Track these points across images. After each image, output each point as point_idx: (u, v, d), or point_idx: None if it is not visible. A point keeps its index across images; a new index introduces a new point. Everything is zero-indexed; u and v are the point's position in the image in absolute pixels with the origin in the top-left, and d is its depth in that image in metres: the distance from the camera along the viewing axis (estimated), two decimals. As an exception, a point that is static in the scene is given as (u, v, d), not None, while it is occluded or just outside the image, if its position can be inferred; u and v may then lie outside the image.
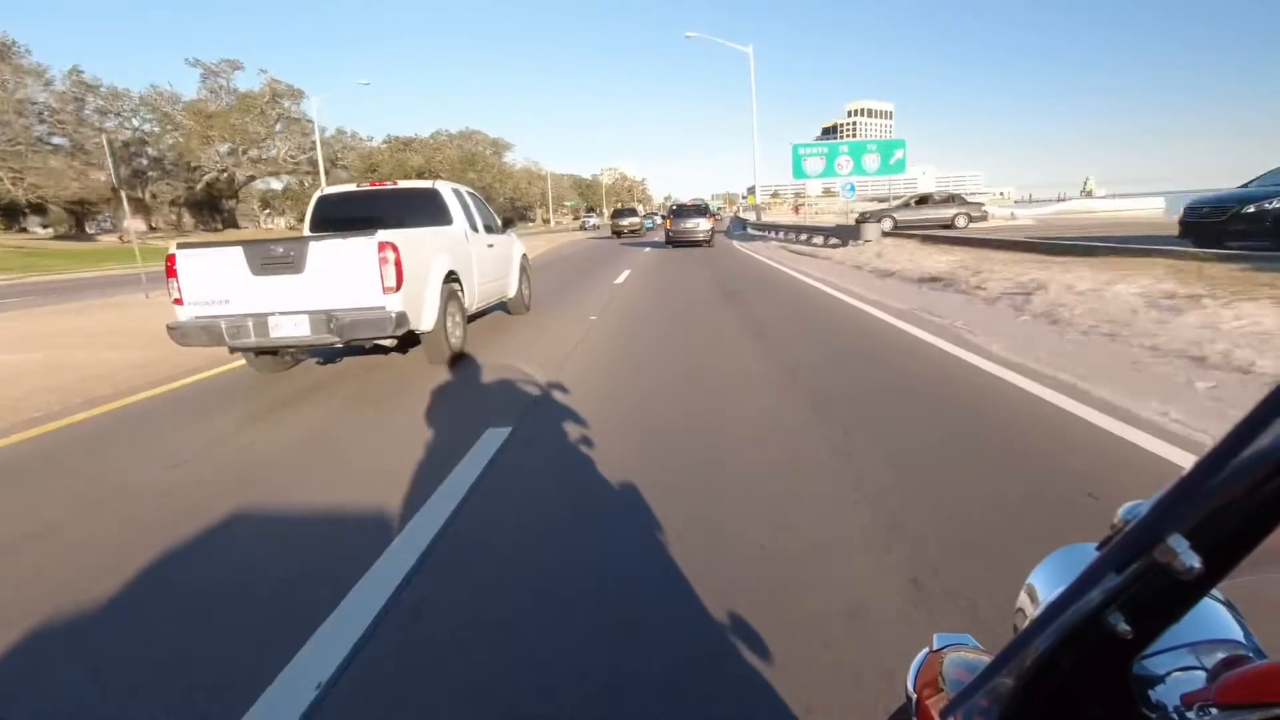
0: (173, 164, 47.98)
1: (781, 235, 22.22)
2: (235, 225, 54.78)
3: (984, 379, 4.19)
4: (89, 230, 47.12)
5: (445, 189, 6.43)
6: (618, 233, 34.60)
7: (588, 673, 1.65)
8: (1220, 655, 0.44)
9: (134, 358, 6.27)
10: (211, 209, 54.70)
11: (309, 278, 4.59)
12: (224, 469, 3.35)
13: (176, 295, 4.70)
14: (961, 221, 22.08)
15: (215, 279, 4.68)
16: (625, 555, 2.24)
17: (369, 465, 3.27)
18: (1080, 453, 2.89)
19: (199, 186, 49.59)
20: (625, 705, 1.54)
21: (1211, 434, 2.88)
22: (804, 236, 19.60)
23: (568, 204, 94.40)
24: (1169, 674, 0.44)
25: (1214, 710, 0.36)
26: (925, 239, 14.86)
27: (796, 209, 70.56)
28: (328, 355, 5.90)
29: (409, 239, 4.87)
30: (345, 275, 4.59)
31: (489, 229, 7.09)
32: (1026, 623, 0.44)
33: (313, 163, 42.90)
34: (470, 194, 7.10)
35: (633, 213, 37.36)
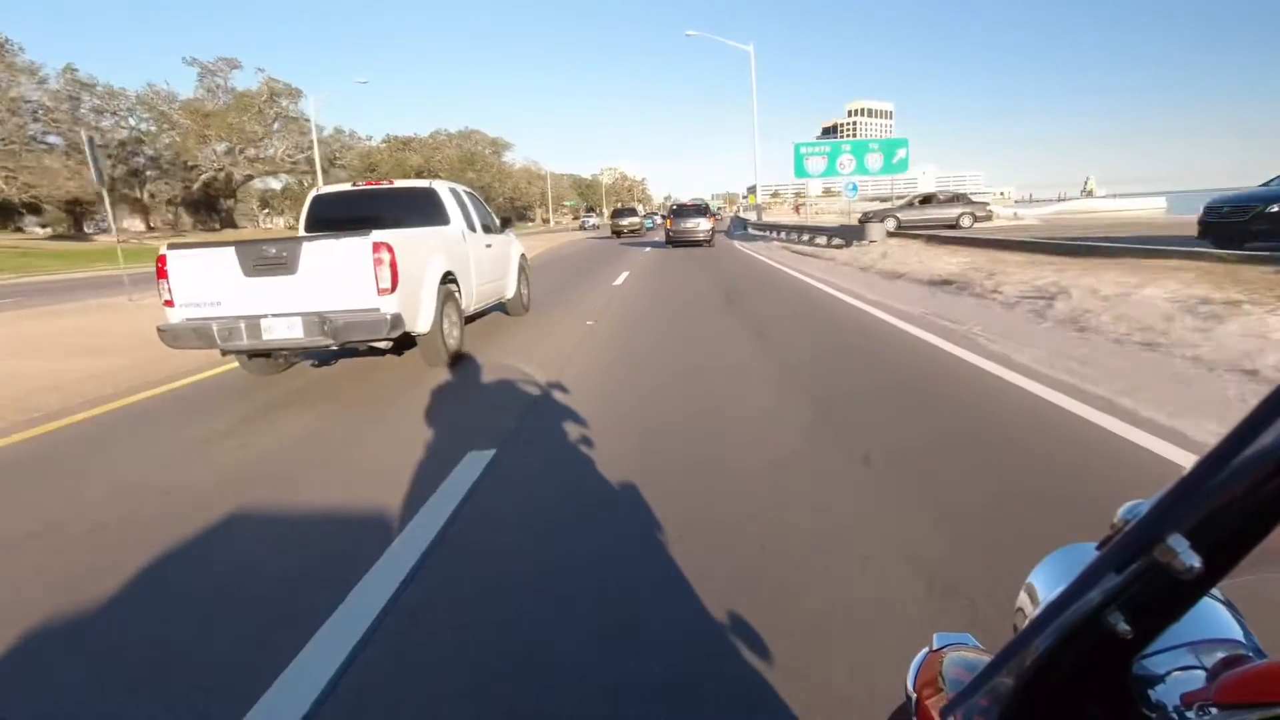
0: (169, 163, 47.67)
1: (783, 235, 21.90)
2: (233, 225, 54.47)
3: (1013, 394, 3.85)
4: (87, 230, 46.76)
5: (442, 188, 6.32)
6: (617, 233, 34.36)
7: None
8: (1220, 655, 0.43)
9: (99, 366, 5.90)
10: (209, 209, 54.39)
11: (302, 279, 4.49)
12: (173, 504, 2.97)
13: (167, 297, 4.62)
14: (966, 221, 21.76)
15: (206, 280, 4.59)
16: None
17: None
18: (1138, 481, 2.53)
19: (196, 186, 49.28)
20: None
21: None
22: (806, 237, 19.27)
23: (567, 204, 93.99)
24: (1169, 673, 0.43)
25: (1214, 710, 0.36)
26: (931, 239, 14.54)
27: (797, 209, 70.31)
28: (322, 357, 5.77)
29: (404, 239, 4.77)
30: (339, 276, 4.49)
31: (487, 229, 6.98)
32: (1026, 622, 0.44)
33: (311, 162, 42.55)
34: (468, 193, 6.98)
35: (632, 212, 37.09)
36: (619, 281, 11.61)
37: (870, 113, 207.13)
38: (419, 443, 3.47)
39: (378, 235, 4.46)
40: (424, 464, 3.15)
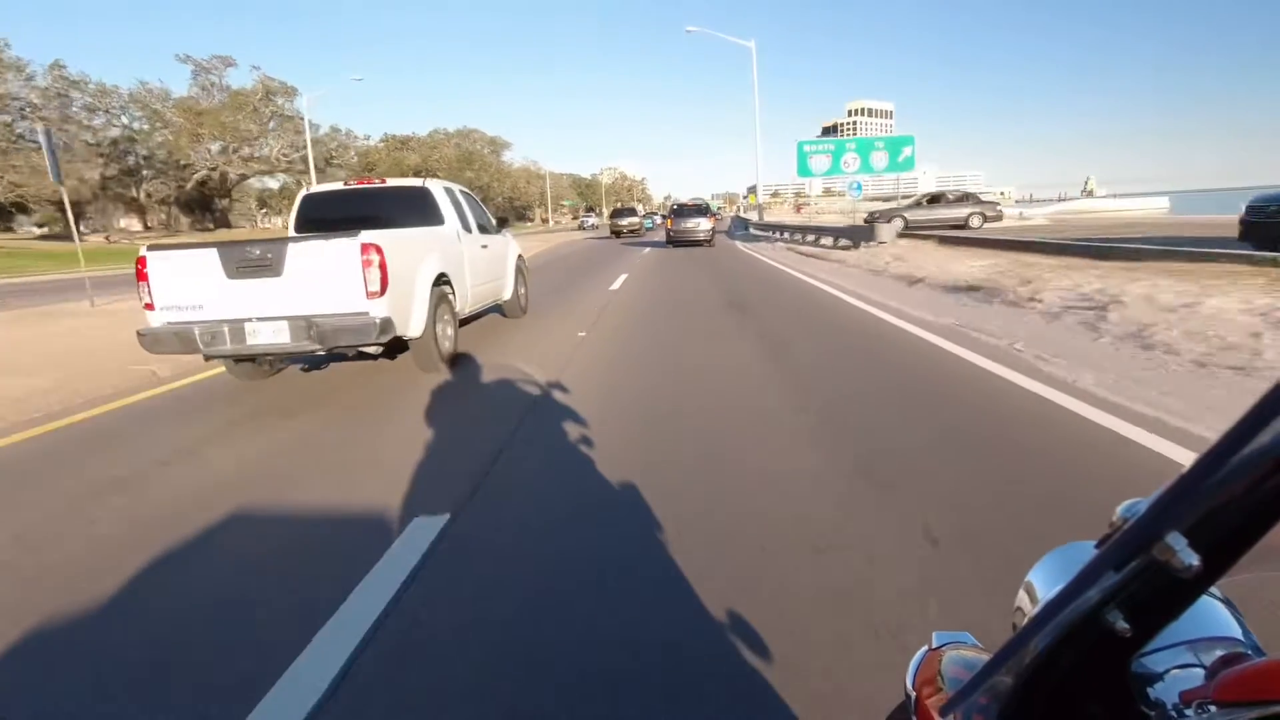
0: (162, 162, 46.98)
1: (786, 236, 21.23)
2: (228, 225, 53.76)
3: (1087, 432, 3.13)
4: (83, 230, 46.13)
5: (436, 187, 6.14)
6: (616, 233, 33.79)
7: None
8: (1219, 653, 0.43)
9: (16, 387, 5.17)
10: (204, 208, 53.67)
11: (288, 281, 4.33)
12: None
13: (147, 300, 4.45)
14: (976, 221, 21.02)
15: (188, 282, 4.43)
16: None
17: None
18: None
19: (190, 185, 48.58)
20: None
21: None
22: (811, 237, 18.59)
23: (565, 203, 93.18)
24: (1168, 671, 0.43)
25: (1212, 708, 0.36)
26: (942, 240, 13.89)
27: (798, 208, 69.80)
28: (313, 362, 5.60)
29: (395, 240, 4.62)
30: (327, 278, 4.34)
31: (483, 229, 6.79)
32: (1025, 621, 0.43)
33: (307, 161, 41.81)
34: (463, 192, 6.78)
35: (632, 212, 36.53)
36: (615, 286, 10.88)
37: (870, 112, 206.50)
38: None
39: (366, 236, 4.29)
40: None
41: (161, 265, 4.43)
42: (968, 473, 2.75)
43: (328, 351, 4.58)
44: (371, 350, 4.70)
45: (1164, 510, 0.32)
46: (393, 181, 6.32)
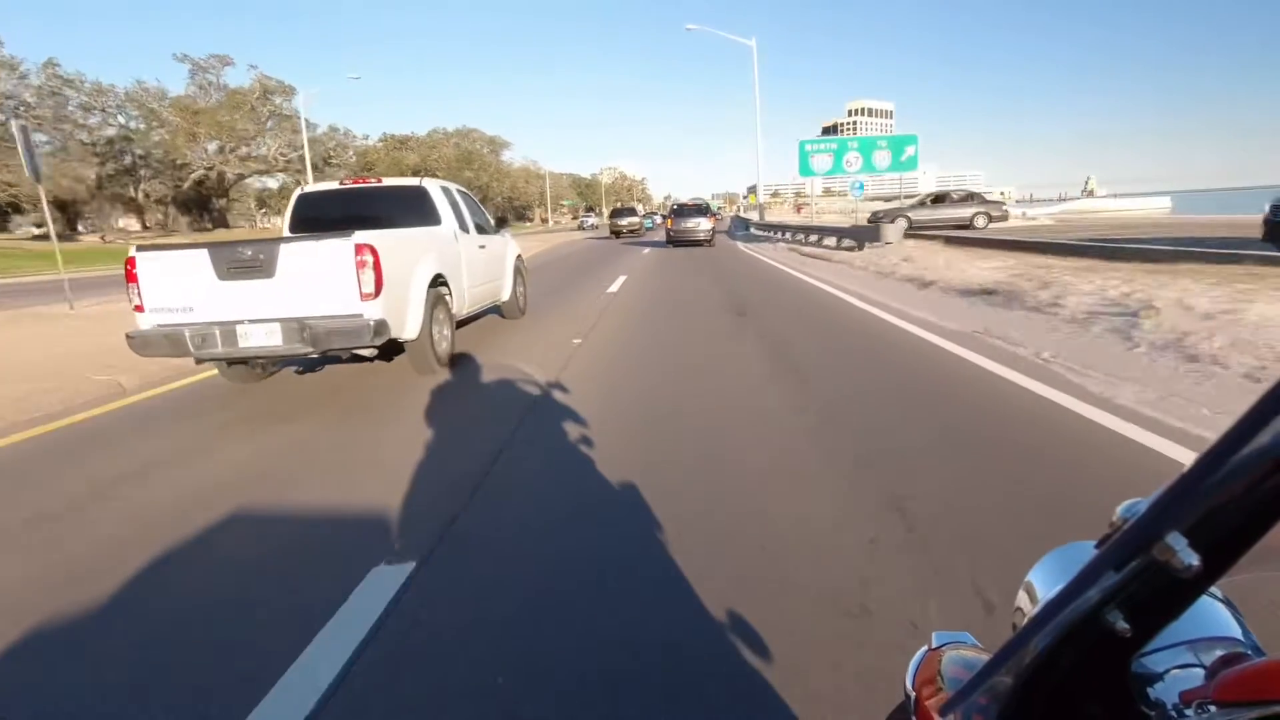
0: (159, 162, 46.63)
1: (788, 236, 20.94)
2: (226, 225, 53.42)
3: (1133, 454, 2.82)
4: (81, 230, 45.79)
5: (433, 186, 6.06)
6: (616, 233, 33.59)
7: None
8: (1219, 653, 0.43)
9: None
10: (202, 208, 53.32)
11: (281, 283, 4.26)
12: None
13: (137, 301, 4.37)
14: (981, 222, 20.74)
15: (178, 284, 4.35)
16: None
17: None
18: None
19: (186, 185, 48.24)
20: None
21: None
22: (814, 238, 18.29)
23: (565, 203, 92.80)
24: (1168, 671, 0.43)
25: (1212, 708, 0.36)
26: (949, 241, 13.60)
27: (798, 208, 69.47)
28: (307, 364, 5.51)
29: (390, 240, 4.52)
30: (320, 280, 4.26)
31: (481, 229, 6.71)
32: (1025, 621, 0.43)
33: (305, 161, 41.46)
34: (461, 192, 6.69)
35: (632, 212, 36.36)
36: (614, 289, 10.56)
37: (870, 112, 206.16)
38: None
39: (360, 236, 4.21)
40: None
41: (151, 266, 4.35)
42: (1007, 502, 2.45)
43: (321, 354, 4.50)
44: (366, 353, 4.61)
45: (1164, 510, 0.32)
46: (389, 181, 6.23)
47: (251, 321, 4.24)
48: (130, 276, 4.36)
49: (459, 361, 5.48)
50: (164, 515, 2.76)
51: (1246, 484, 0.29)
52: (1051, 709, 0.41)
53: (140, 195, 48.05)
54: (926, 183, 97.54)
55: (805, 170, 24.67)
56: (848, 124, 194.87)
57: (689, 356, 5.39)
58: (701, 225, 21.13)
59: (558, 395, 4.32)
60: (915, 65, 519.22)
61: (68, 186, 39.77)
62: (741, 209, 66.88)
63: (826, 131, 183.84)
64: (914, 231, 16.68)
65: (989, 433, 3.25)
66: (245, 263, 4.25)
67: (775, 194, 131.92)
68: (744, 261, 15.04)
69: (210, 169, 48.23)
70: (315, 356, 4.73)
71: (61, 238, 41.22)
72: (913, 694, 0.60)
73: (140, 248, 4.43)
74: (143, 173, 46.75)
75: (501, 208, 66.10)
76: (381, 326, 4.23)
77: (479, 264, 6.38)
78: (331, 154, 53.20)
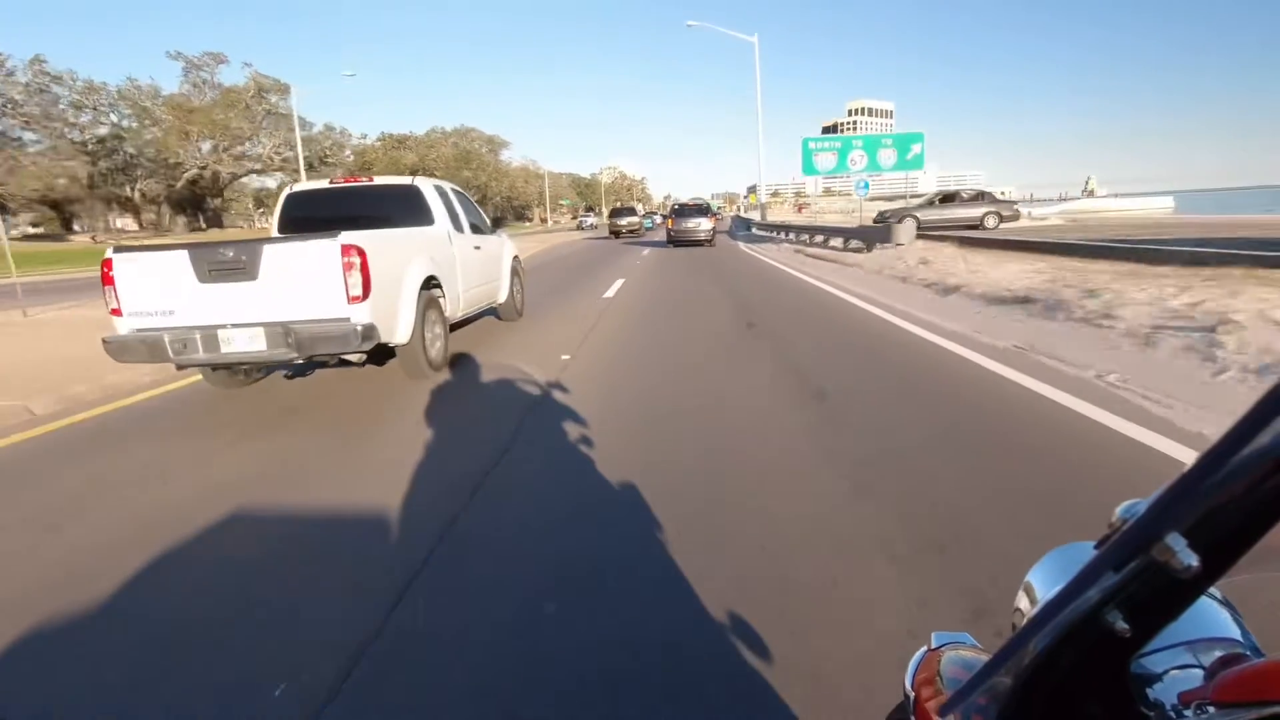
0: (151, 160, 46.00)
1: (792, 237, 20.36)
2: (221, 224, 52.75)
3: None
4: (77, 229, 45.15)
5: (426, 185, 5.90)
6: (616, 233, 33.25)
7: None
8: (1218, 653, 0.43)
9: None
10: (196, 207, 52.67)
11: (264, 285, 4.08)
12: None
13: (114, 305, 4.20)
14: (991, 222, 20.06)
15: (158, 286, 4.18)
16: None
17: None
18: None
19: (180, 184, 47.60)
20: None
21: None
22: (819, 239, 17.63)
23: (564, 203, 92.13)
24: (1167, 672, 0.43)
25: (1211, 708, 0.36)
26: (962, 242, 12.96)
27: (800, 208, 68.84)
28: (296, 369, 5.38)
29: (380, 241, 4.38)
30: (305, 282, 4.09)
31: (476, 229, 6.56)
32: (1024, 621, 0.43)
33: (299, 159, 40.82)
34: (456, 191, 6.55)
35: (631, 212, 35.96)
36: (610, 293, 9.88)
37: (871, 112, 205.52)
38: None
39: (347, 237, 4.05)
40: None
41: (128, 268, 4.15)
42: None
43: (307, 360, 4.33)
44: (354, 358, 4.44)
45: (1163, 511, 0.32)
46: (381, 180, 6.04)
47: (234, 326, 4.07)
48: (106, 279, 4.17)
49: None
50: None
51: (1246, 484, 0.29)
52: (1051, 709, 0.41)
53: (136, 195, 47.43)
54: (927, 182, 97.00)
55: (809, 169, 24.06)
56: (848, 124, 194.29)
57: (691, 375, 4.68)
58: (702, 225, 21.00)
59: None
60: (915, 65, 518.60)
61: (60, 185, 39.11)
62: (742, 209, 66.35)
63: (827, 131, 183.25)
64: (923, 232, 16.05)
65: (1063, 477, 2.62)
66: (227, 264, 4.06)
67: (775, 194, 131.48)
68: (750, 265, 14.42)
69: (204, 168, 47.62)
70: (301, 362, 4.57)
71: (54, 238, 40.70)
72: (912, 694, 0.59)
73: (117, 248, 4.24)
74: (138, 172, 46.13)
75: (500, 207, 65.60)
76: (370, 331, 4.07)
77: (474, 265, 6.23)
78: (328, 153, 52.57)
